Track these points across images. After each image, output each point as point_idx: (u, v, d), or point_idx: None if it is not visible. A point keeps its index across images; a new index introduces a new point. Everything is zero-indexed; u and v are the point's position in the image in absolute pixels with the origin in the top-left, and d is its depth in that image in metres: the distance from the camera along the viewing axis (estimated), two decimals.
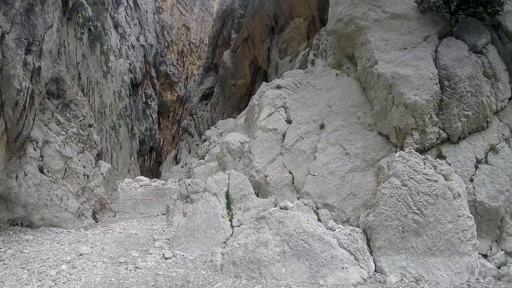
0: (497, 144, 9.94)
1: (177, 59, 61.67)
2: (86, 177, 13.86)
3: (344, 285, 7.75)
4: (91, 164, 14.91)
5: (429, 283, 7.82)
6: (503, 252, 8.86)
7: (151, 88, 49.97)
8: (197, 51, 64.96)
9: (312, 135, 12.10)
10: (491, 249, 9.06)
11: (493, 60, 11.08)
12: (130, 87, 39.21)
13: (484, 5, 11.53)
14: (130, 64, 39.39)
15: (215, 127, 25.84)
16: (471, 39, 11.31)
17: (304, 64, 16.11)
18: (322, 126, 12.10)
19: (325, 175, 10.90)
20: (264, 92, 14.26)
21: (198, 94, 46.95)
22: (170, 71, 57.69)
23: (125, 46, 39.08)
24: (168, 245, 10.46)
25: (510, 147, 9.97)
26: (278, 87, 14.14)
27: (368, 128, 11.44)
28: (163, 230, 12.22)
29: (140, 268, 8.70)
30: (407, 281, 7.91)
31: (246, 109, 15.34)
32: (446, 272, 8.00)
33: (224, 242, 10.01)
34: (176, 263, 9.19)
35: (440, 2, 11.62)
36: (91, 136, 15.60)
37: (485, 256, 8.94)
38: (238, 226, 10.28)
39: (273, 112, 13.32)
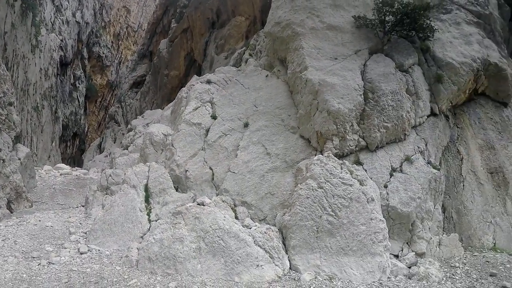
0: (412, 155, 10.87)
1: (112, 42, 59.23)
2: (1, 161, 12.97)
3: (259, 283, 7.98)
4: (8, 147, 13.96)
5: (342, 281, 8.29)
6: (414, 253, 9.69)
7: (81, 70, 47.54)
8: (134, 36, 62.85)
9: (236, 133, 12.34)
10: (402, 250, 9.83)
11: (417, 79, 12.17)
12: (58, 65, 37.13)
13: (417, 29, 12.68)
14: (61, 40, 37.21)
15: (142, 117, 25.35)
16: (399, 58, 12.33)
17: (238, 62, 16.42)
18: (246, 125, 12.40)
19: (245, 173, 11.17)
20: (194, 85, 14.27)
21: (129, 81, 45.50)
22: (103, 53, 55.22)
23: (60, 20, 36.85)
24: (85, 239, 10.23)
25: (424, 158, 10.97)
26: (208, 82, 14.22)
27: (291, 130, 11.91)
28: (80, 223, 11.92)
29: (53, 264, 8.45)
30: (321, 279, 8.32)
31: (174, 101, 15.23)
32: (358, 271, 8.56)
33: (141, 237, 9.92)
34: (91, 258, 9.03)
35: (376, 21, 12.55)
36: (10, 116, 14.61)
37: (397, 256, 9.69)
38: (156, 221, 10.23)
39: (199, 106, 13.35)
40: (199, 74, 21.83)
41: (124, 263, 8.65)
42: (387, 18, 12.53)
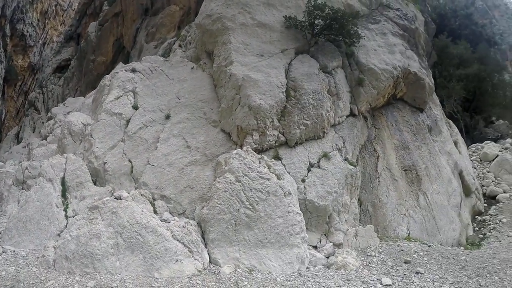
0: (330, 152, 11.58)
1: (39, 20, 55.52)
2: None
3: (179, 277, 8.06)
4: None
5: (262, 273, 8.59)
6: (331, 244, 10.32)
7: (1, 48, 44.13)
8: (62, 16, 59.38)
9: (157, 125, 12.41)
10: (320, 241, 10.42)
11: (339, 81, 13.04)
12: None
13: (344, 35, 13.53)
14: None
15: (64, 105, 24.42)
16: (324, 60, 13.14)
17: (167, 53, 16.43)
18: (167, 117, 12.50)
19: (164, 166, 11.29)
20: (117, 73, 14.07)
21: (52, 64, 43.22)
22: (28, 32, 51.55)
23: None
24: None
25: (341, 155, 11.77)
26: (133, 70, 14.10)
27: (213, 124, 12.22)
28: None
29: None
30: (240, 271, 8.57)
31: (96, 88, 14.91)
32: (277, 262, 8.91)
33: (58, 234, 9.76)
34: (7, 260, 8.75)
35: (306, 23, 13.22)
36: None
37: (315, 247, 10.25)
38: (73, 217, 10.09)
39: (121, 96, 13.23)
40: (127, 61, 21.43)
41: (41, 264, 8.45)
42: (316, 21, 13.22)
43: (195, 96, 12.96)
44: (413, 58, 15.58)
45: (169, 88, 13.48)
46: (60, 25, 58.21)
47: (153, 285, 7.65)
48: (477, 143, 25.19)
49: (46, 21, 56.94)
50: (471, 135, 29.43)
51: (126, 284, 7.62)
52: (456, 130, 19.94)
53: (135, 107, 12.91)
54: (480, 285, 8.40)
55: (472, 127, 31.27)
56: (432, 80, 16.97)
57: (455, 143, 17.96)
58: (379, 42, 15.09)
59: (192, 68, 14.17)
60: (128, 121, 12.60)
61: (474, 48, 38.83)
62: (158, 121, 12.51)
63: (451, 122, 20.08)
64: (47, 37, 57.14)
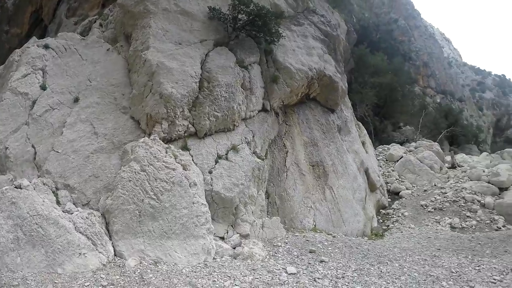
0: (239, 145, 11.75)
1: None
2: None
3: (83, 272, 7.70)
4: None
5: (168, 265, 8.44)
6: (238, 235, 10.44)
7: None
8: None
9: (64, 108, 11.68)
10: (227, 232, 10.51)
11: (254, 77, 13.27)
12: None
13: (265, 32, 13.77)
14: None
15: None
16: (241, 55, 13.31)
17: (87, 31, 15.54)
18: (76, 100, 11.82)
19: (69, 153, 10.62)
20: (29, 48, 12.97)
21: None
22: None
23: None
24: None
25: (250, 149, 11.99)
26: (46, 46, 13.07)
27: (122, 110, 11.77)
28: None
29: None
30: (146, 263, 8.34)
31: (4, 64, 13.69)
32: (183, 254, 8.80)
33: None
34: None
35: (229, 16, 13.29)
36: None
37: (222, 238, 10.32)
38: None
39: (29, 74, 12.24)
40: (44, 36, 19.94)
41: None
42: (240, 16, 13.32)
43: (107, 79, 12.38)
44: (330, 62, 16.35)
45: (81, 69, 12.72)
46: None
47: (56, 281, 7.27)
48: (384, 145, 27.27)
49: None
50: (380, 138, 31.77)
51: (28, 281, 7.18)
52: (365, 131, 21.35)
53: (43, 88, 11.99)
54: (381, 271, 8.90)
55: (381, 130, 33.77)
56: (346, 84, 17.96)
57: (363, 143, 19.24)
58: (299, 44, 15.62)
59: (107, 50, 13.52)
60: (34, 102, 11.65)
61: (390, 60, 42.17)
62: (66, 104, 11.74)
63: (361, 124, 21.44)
64: None
